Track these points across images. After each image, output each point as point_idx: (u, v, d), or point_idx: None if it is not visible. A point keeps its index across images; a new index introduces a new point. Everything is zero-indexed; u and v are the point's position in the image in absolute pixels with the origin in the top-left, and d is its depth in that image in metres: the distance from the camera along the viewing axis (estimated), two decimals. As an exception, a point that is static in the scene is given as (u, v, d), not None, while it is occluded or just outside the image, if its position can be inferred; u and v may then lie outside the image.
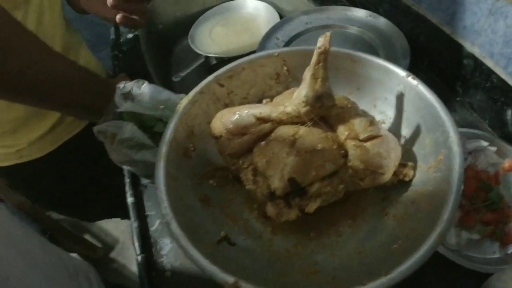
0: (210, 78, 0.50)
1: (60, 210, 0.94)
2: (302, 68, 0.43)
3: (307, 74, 0.41)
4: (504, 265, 0.43)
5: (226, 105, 0.52)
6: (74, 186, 0.82)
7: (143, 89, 0.50)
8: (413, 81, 0.47)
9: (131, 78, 0.57)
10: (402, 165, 0.45)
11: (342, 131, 0.43)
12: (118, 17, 0.63)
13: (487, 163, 0.50)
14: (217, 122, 0.46)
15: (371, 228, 0.45)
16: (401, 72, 0.47)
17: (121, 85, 0.54)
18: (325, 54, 0.39)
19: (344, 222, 0.47)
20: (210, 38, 0.95)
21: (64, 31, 0.69)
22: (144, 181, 0.57)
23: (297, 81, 0.47)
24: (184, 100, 0.48)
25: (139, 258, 0.49)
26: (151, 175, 0.55)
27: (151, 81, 0.53)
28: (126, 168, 0.56)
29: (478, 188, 0.47)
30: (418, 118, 0.46)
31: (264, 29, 0.93)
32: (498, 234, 0.45)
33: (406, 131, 0.48)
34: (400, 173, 0.45)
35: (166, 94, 0.51)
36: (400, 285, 0.33)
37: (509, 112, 0.52)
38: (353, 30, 0.74)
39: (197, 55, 0.93)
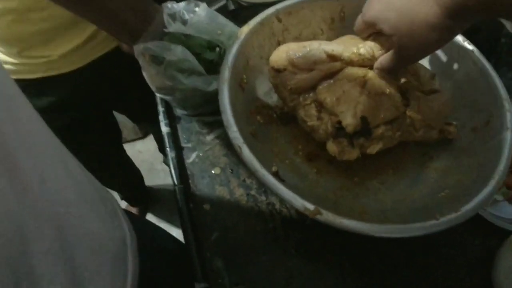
0: (270, 10, 0.48)
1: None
2: (356, 17, 0.42)
3: None
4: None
5: (279, 43, 0.51)
6: (84, 114, 0.78)
7: (200, 11, 0.47)
8: (469, 46, 0.48)
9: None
10: (448, 123, 0.47)
11: (407, 79, 0.44)
12: None
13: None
14: (281, 54, 0.44)
15: (412, 178, 0.47)
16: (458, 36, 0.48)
17: (168, 4, 0.50)
18: None
19: (386, 171, 0.48)
20: (234, -20, 0.90)
21: None
22: (178, 112, 0.55)
23: (349, 30, 0.46)
24: (245, 28, 0.46)
25: (177, 188, 0.47)
26: (187, 107, 0.53)
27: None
28: (160, 96, 0.53)
29: None
30: (468, 81, 0.47)
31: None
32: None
33: (455, 91, 0.49)
34: (445, 131, 0.47)
35: (223, 19, 0.48)
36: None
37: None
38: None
39: (215, -2, 0.88)
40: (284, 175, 0.43)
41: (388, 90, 0.41)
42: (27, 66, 0.65)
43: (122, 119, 1.10)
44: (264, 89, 0.51)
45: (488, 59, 0.64)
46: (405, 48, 0.36)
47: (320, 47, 0.42)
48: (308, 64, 0.42)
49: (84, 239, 0.32)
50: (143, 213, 1.42)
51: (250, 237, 0.45)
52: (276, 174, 0.43)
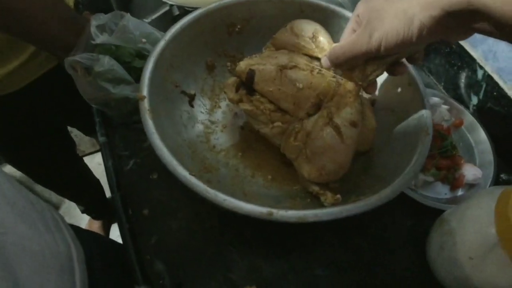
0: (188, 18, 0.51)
1: (10, 155, 0.89)
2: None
3: None
4: (453, 205, 0.51)
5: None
6: (34, 129, 0.79)
7: (125, 21, 0.49)
8: None
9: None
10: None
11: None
12: None
13: (441, 118, 0.58)
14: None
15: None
16: None
17: (96, 16, 0.51)
18: None
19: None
20: (175, -13, 0.92)
21: None
22: (115, 121, 0.56)
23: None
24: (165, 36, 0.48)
25: (115, 196, 0.49)
26: (122, 115, 0.55)
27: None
28: (95, 107, 0.55)
29: (434, 137, 0.54)
30: (389, 78, 0.52)
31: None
32: (449, 178, 0.53)
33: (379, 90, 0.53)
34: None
35: (148, 28, 0.50)
36: (374, 215, 0.39)
37: (462, 76, 0.60)
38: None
39: (159, 3, 0.90)
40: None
41: (301, 85, 0.44)
42: None
43: (78, 133, 1.10)
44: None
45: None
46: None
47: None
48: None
49: (25, 257, 0.33)
50: (107, 226, 1.41)
51: (189, 238, 0.47)
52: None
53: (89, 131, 1.13)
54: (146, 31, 0.50)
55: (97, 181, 1.27)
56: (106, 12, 0.72)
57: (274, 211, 0.35)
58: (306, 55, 0.46)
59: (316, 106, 0.43)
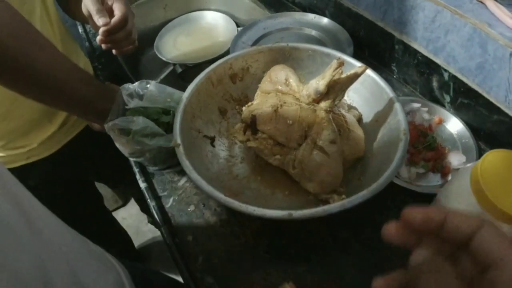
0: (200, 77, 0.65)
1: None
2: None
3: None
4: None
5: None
6: (66, 187, 0.90)
7: (150, 87, 0.63)
8: (369, 71, 0.65)
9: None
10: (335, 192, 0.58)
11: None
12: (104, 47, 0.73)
13: (422, 119, 0.70)
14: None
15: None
16: (358, 64, 0.64)
17: (125, 86, 0.65)
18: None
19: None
20: (175, 47, 1.08)
21: (63, 36, 0.79)
22: (151, 169, 0.68)
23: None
24: (185, 94, 0.62)
25: (163, 229, 0.60)
26: (157, 163, 0.67)
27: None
28: (133, 159, 0.67)
29: (418, 136, 0.65)
30: (370, 96, 0.64)
31: (223, 37, 1.09)
32: (438, 167, 0.64)
33: (365, 106, 0.65)
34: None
35: (170, 89, 0.64)
36: (368, 206, 0.49)
37: (433, 80, 0.72)
38: (306, 31, 0.92)
39: (163, 64, 1.05)
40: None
41: (291, 121, 0.56)
42: (11, 157, 0.78)
43: (101, 191, 1.23)
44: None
45: (390, 64, 0.82)
46: None
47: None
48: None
49: (89, 274, 0.43)
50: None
51: (229, 253, 0.58)
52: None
53: (116, 184, 1.25)
54: (169, 91, 0.63)
55: (125, 232, 1.38)
56: (120, 76, 0.87)
57: (293, 212, 0.46)
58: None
59: (302, 136, 0.55)
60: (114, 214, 1.72)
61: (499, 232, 0.26)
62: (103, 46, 0.72)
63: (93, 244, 0.50)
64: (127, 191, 1.52)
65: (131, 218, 1.74)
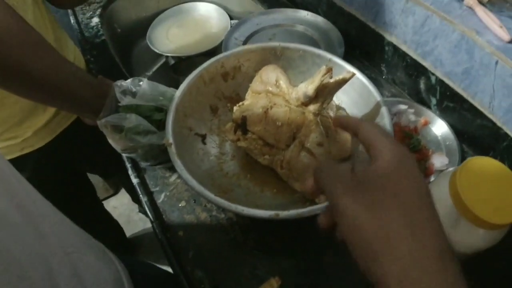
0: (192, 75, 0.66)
1: None
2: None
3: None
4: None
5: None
6: (58, 179, 0.92)
7: (143, 84, 0.64)
8: (358, 74, 0.66)
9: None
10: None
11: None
12: None
13: (408, 120, 0.73)
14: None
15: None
16: (349, 67, 0.66)
17: (118, 83, 0.66)
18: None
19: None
20: (168, 39, 1.08)
21: (54, 27, 0.79)
22: (143, 164, 0.70)
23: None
24: (178, 92, 0.63)
25: (155, 224, 0.63)
26: (149, 159, 0.69)
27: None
28: (125, 155, 0.69)
29: (403, 137, 0.68)
30: (358, 97, 0.66)
31: (216, 29, 1.10)
32: (421, 168, 0.67)
33: (353, 108, 0.68)
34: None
35: (162, 87, 0.65)
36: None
37: (421, 82, 0.75)
38: (298, 28, 0.93)
39: (155, 56, 1.06)
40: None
41: (280, 123, 0.58)
42: (6, 149, 0.79)
43: (92, 180, 1.24)
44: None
45: (380, 65, 0.85)
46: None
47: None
48: None
49: (90, 273, 0.46)
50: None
51: (219, 248, 0.60)
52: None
53: (108, 175, 1.27)
54: (161, 90, 0.65)
55: (117, 224, 1.40)
56: (113, 70, 0.88)
57: (280, 212, 0.49)
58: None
59: (291, 138, 0.57)
60: (105, 203, 1.74)
61: (373, 125, 0.35)
62: None
63: (93, 239, 0.52)
64: (119, 181, 1.53)
65: (122, 207, 1.76)
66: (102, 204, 1.30)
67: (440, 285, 0.26)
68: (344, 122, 0.39)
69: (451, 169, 0.54)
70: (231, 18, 1.11)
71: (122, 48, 1.08)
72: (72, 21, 1.04)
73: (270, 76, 0.62)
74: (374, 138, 0.33)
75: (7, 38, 0.50)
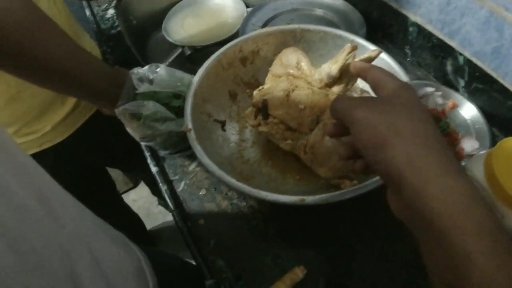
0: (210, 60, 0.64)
1: None
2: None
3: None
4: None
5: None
6: (78, 173, 0.92)
7: (160, 71, 0.63)
8: (383, 55, 0.63)
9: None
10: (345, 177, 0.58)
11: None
12: None
13: (435, 103, 0.69)
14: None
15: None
16: (372, 47, 0.63)
17: (135, 70, 0.65)
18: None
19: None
20: (183, 29, 1.07)
21: (69, 19, 0.79)
22: (162, 153, 0.69)
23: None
24: (195, 78, 0.62)
25: (175, 213, 0.62)
26: (168, 147, 0.68)
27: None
28: (144, 143, 0.68)
29: (431, 120, 0.65)
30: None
31: (232, 18, 1.08)
32: (449, 153, 0.64)
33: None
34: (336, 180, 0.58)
35: (180, 73, 0.64)
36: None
37: (448, 64, 0.71)
38: (317, 11, 0.90)
39: (172, 46, 1.05)
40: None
41: (303, 106, 0.56)
42: (25, 145, 0.79)
43: (112, 173, 1.25)
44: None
45: (403, 47, 0.81)
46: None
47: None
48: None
49: (111, 262, 0.45)
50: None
51: (240, 236, 0.59)
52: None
53: (128, 168, 1.27)
54: (179, 76, 0.63)
55: (138, 218, 1.40)
56: (129, 60, 0.87)
57: (305, 197, 0.47)
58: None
59: (314, 121, 0.55)
60: (125, 196, 1.76)
61: (381, 68, 0.40)
62: None
63: (114, 229, 0.51)
64: (139, 175, 1.54)
65: (141, 200, 1.77)
66: (122, 197, 1.30)
67: (440, 160, 0.30)
68: (358, 67, 0.44)
69: (483, 151, 0.51)
70: (247, 7, 1.08)
71: (137, 39, 1.07)
72: (87, 13, 1.03)
73: (291, 59, 0.60)
74: (381, 78, 0.38)
75: (22, 24, 0.49)
